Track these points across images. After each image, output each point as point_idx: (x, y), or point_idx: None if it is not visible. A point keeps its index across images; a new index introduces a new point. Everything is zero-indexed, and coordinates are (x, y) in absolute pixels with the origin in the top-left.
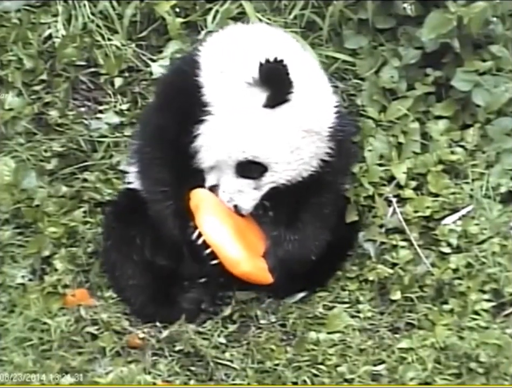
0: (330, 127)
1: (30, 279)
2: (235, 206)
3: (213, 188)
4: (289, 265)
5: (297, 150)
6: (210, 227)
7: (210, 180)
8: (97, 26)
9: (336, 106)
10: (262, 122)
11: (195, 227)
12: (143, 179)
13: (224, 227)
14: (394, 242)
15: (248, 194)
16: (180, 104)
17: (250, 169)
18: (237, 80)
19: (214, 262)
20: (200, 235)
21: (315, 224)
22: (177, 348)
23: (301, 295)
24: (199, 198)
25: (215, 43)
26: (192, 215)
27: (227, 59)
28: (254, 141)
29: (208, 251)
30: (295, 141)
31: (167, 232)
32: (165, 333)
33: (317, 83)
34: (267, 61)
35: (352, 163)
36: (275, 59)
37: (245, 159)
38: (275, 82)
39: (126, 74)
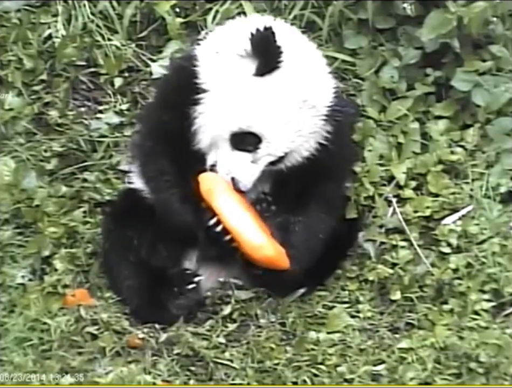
0: (328, 107)
1: (30, 279)
2: (233, 179)
3: (214, 168)
4: (296, 248)
5: (293, 120)
6: (230, 212)
7: (210, 159)
8: (97, 26)
9: (334, 88)
10: (253, 91)
11: (212, 213)
12: (145, 171)
13: (244, 211)
14: (394, 242)
15: (246, 168)
16: (178, 95)
17: (245, 140)
18: (230, 55)
19: (233, 245)
20: (218, 220)
21: (320, 210)
22: (175, 351)
23: (301, 291)
24: (210, 182)
25: (213, 36)
26: (201, 200)
27: (223, 40)
28: (246, 111)
29: (228, 237)
30: (288, 111)
31: (177, 220)
32: (163, 337)
33: (314, 62)
34: (257, 30)
35: (351, 149)
36: (264, 27)
37: (239, 130)
38: (264, 49)
39: (126, 74)
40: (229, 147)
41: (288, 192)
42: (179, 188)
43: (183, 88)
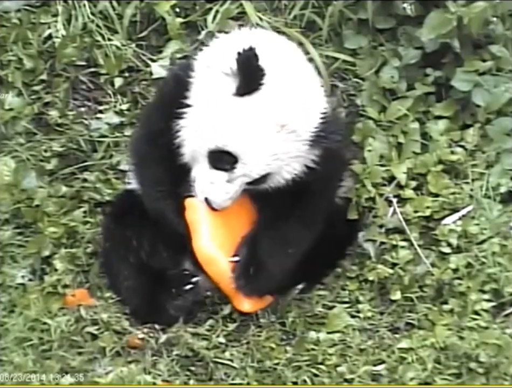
0: (314, 132)
1: (30, 279)
2: (206, 199)
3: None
4: (260, 261)
5: (271, 144)
6: (206, 260)
7: (193, 174)
8: (97, 26)
9: (323, 113)
10: (232, 111)
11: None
12: (140, 179)
13: (220, 260)
14: (394, 242)
15: (221, 187)
16: (171, 105)
17: (221, 159)
18: (218, 72)
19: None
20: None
21: (295, 227)
22: (175, 353)
23: (299, 287)
24: (194, 211)
25: (213, 46)
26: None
27: (216, 55)
28: (224, 129)
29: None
30: (265, 134)
31: (169, 228)
32: (163, 338)
33: (300, 85)
34: (242, 49)
35: (342, 171)
36: (249, 47)
37: (216, 148)
38: (245, 70)
39: (126, 74)
40: (207, 165)
41: (270, 206)
42: (173, 199)
43: (174, 98)
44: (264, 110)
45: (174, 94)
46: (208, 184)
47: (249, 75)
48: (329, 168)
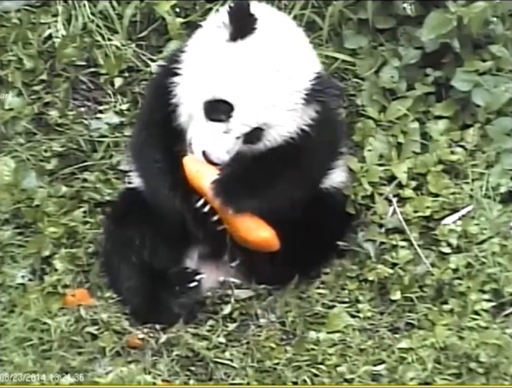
0: (309, 85)
1: (30, 279)
2: (204, 153)
3: (191, 143)
4: (241, 176)
5: (266, 90)
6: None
7: (189, 133)
8: (97, 26)
9: (317, 69)
10: (225, 57)
11: (199, 195)
12: (137, 161)
13: None
14: (394, 242)
15: (218, 139)
16: (164, 83)
17: (217, 109)
18: (211, 27)
19: (221, 227)
20: (205, 202)
21: (278, 172)
22: (175, 353)
23: (294, 280)
24: (195, 165)
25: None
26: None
27: (209, 20)
28: (218, 77)
29: (215, 218)
30: (261, 79)
31: (167, 206)
32: (163, 338)
33: (293, 38)
34: (234, 2)
35: (335, 142)
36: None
37: (211, 97)
38: (238, 16)
39: (126, 74)
40: (203, 118)
41: (259, 164)
42: (169, 175)
43: (167, 72)
44: (258, 55)
45: (167, 69)
46: (205, 137)
47: (241, 20)
48: (322, 135)
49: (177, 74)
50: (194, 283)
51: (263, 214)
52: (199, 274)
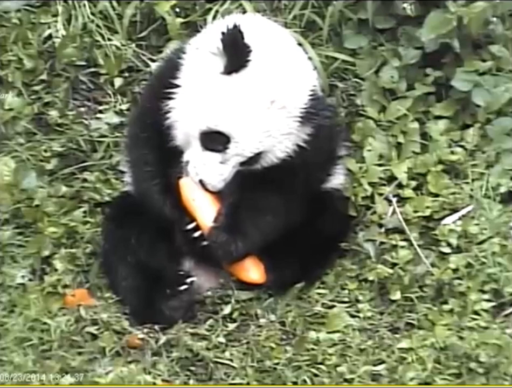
0: (303, 108)
1: (30, 279)
2: (200, 181)
3: (187, 166)
4: (236, 224)
5: (261, 121)
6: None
7: (185, 157)
8: (97, 26)
9: (312, 90)
10: (221, 90)
11: (190, 217)
12: (129, 161)
13: None
14: (394, 242)
15: (214, 168)
16: (162, 87)
17: (213, 140)
18: (205, 52)
19: (205, 243)
20: (197, 227)
21: (272, 198)
22: (174, 354)
23: (298, 286)
24: (192, 191)
25: (203, 32)
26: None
27: (205, 37)
28: (214, 110)
29: (205, 243)
30: (256, 111)
31: (156, 210)
32: (163, 339)
33: (288, 62)
34: (227, 28)
35: (331, 152)
36: (234, 25)
37: (208, 129)
38: (231, 48)
39: (126, 74)
40: (199, 147)
41: (253, 183)
42: (160, 179)
43: (165, 79)
44: (253, 87)
45: (165, 75)
46: (202, 166)
47: (235, 52)
48: (318, 147)
49: (171, 98)
50: (185, 286)
51: (259, 248)
52: (190, 276)
